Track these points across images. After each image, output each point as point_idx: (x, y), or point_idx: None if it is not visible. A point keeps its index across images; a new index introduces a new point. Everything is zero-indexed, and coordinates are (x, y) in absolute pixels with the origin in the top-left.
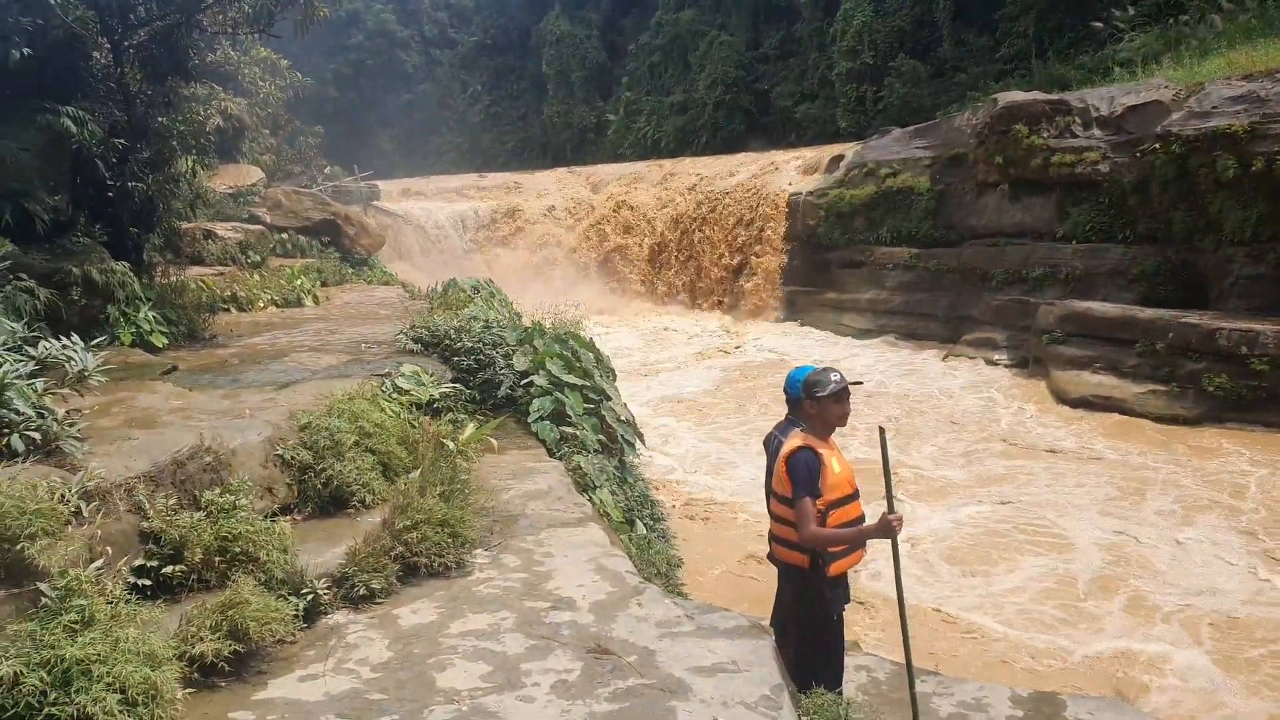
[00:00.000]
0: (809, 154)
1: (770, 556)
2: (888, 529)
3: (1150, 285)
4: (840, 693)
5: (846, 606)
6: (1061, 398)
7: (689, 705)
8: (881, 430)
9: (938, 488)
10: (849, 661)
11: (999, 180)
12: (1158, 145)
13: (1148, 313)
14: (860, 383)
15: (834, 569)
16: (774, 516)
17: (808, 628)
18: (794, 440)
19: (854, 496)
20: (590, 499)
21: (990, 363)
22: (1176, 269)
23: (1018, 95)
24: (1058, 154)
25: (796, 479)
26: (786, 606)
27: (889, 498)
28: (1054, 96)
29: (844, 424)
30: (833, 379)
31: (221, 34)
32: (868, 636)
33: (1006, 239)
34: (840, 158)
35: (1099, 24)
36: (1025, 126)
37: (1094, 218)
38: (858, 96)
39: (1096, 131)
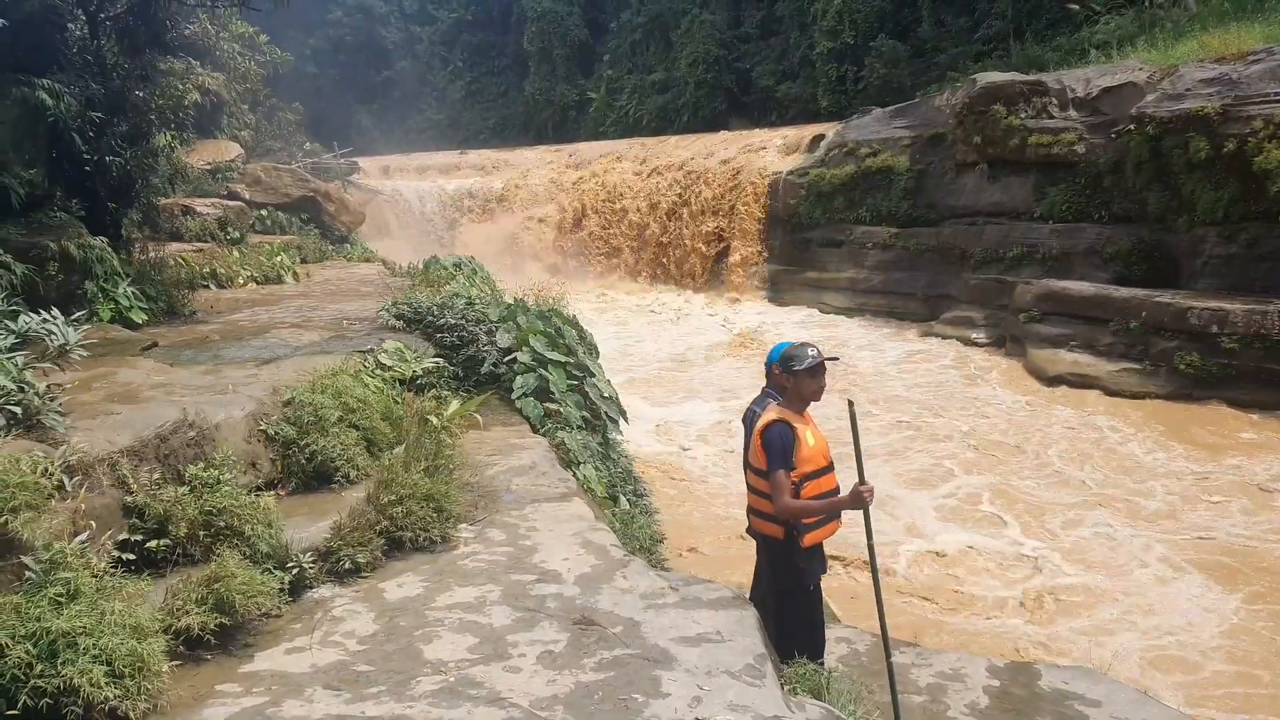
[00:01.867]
0: (790, 133)
1: (749, 529)
2: (859, 499)
3: (1125, 264)
4: (822, 663)
5: (823, 576)
6: (1038, 376)
7: (674, 674)
8: (850, 403)
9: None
10: (829, 634)
11: (977, 160)
12: (1132, 127)
13: (1122, 292)
14: (836, 358)
15: (808, 540)
16: (750, 489)
17: (785, 598)
18: (769, 414)
19: (828, 469)
20: (574, 474)
21: (968, 342)
22: (1150, 249)
23: (996, 76)
24: (1035, 134)
25: (771, 452)
26: (764, 578)
27: (859, 469)
28: (1031, 77)
29: (818, 399)
30: (809, 353)
31: (200, 7)
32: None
33: (985, 218)
34: (821, 137)
35: (1075, 6)
36: (1003, 107)
37: (1070, 198)
38: (838, 76)
39: (1073, 112)
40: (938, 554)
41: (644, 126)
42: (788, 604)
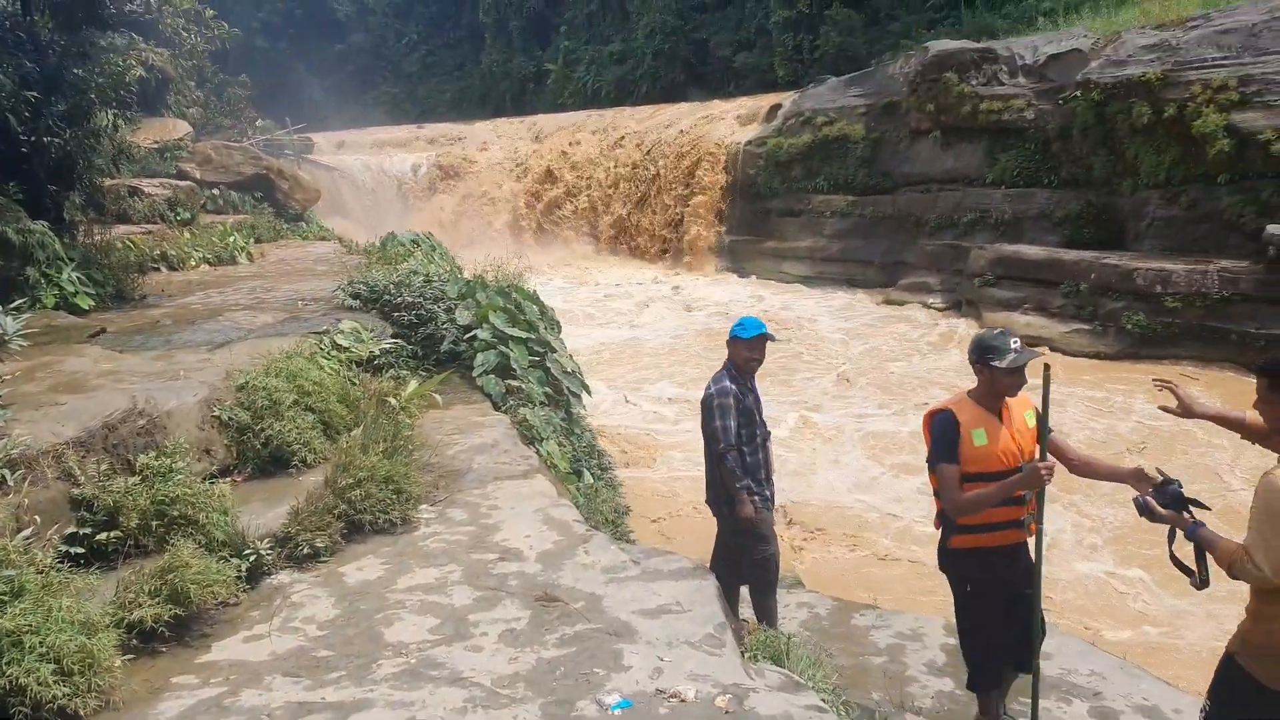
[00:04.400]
0: (747, 103)
1: (708, 501)
2: (1034, 479)
3: (1074, 227)
4: (986, 678)
5: (979, 581)
6: None
7: (635, 647)
8: (1046, 368)
9: None
10: (791, 599)
11: (931, 128)
12: (1078, 93)
13: (1071, 254)
14: (1038, 353)
15: (955, 542)
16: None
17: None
18: (942, 402)
19: (1011, 473)
20: (537, 451)
21: (925, 306)
22: (1098, 212)
23: (948, 44)
24: (986, 102)
25: (932, 443)
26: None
27: (1042, 444)
28: (982, 45)
29: (1014, 395)
30: (1013, 346)
31: None
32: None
33: (939, 185)
34: (778, 107)
35: None
36: (955, 75)
37: (1021, 163)
38: (794, 45)
39: (1022, 79)
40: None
41: (603, 98)
42: (955, 599)
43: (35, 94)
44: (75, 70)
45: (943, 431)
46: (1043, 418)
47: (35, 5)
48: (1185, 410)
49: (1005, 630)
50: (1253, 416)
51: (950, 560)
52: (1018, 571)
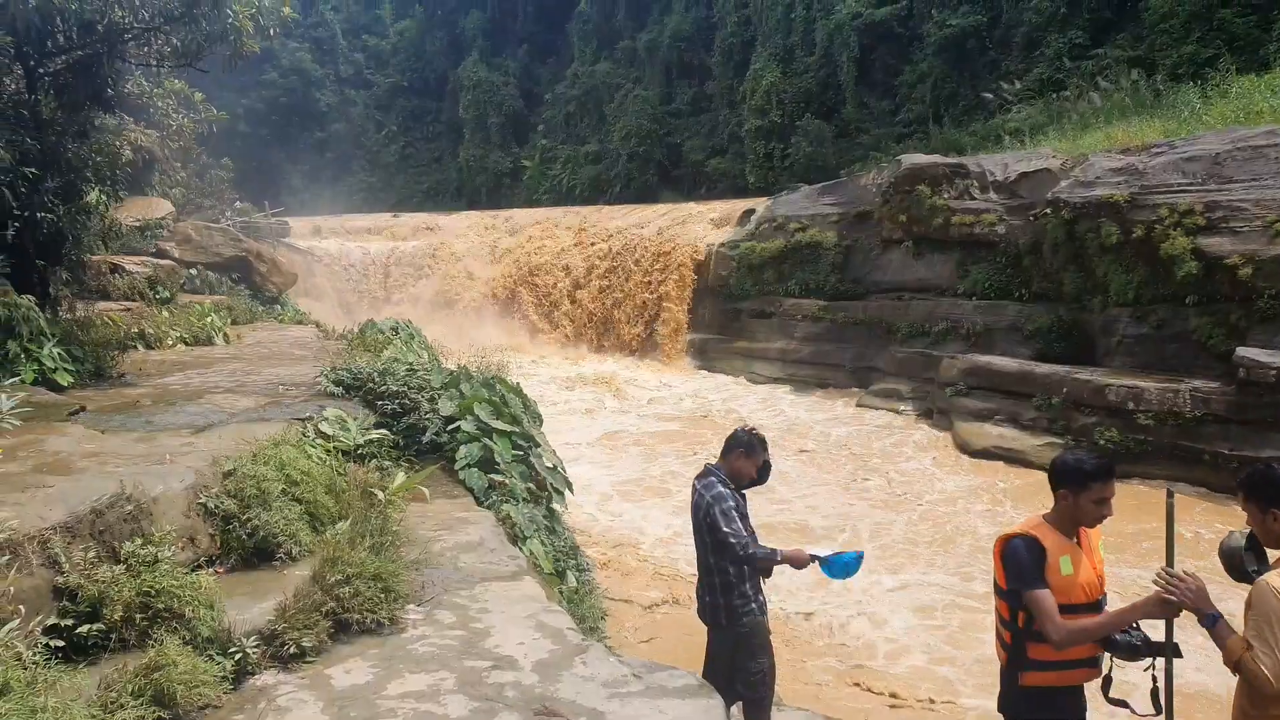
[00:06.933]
0: (721, 206)
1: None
2: (1165, 606)
3: (1045, 341)
4: None
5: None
6: (965, 449)
7: None
8: (1169, 494)
9: None
10: (780, 717)
11: (903, 237)
12: (1048, 210)
13: (1044, 368)
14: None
15: (1027, 680)
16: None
17: None
18: (1018, 526)
19: (1089, 609)
20: (522, 550)
21: (896, 413)
22: (1068, 327)
23: (920, 158)
24: (958, 215)
25: (1009, 570)
26: (721, 660)
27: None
28: (953, 160)
29: (1093, 525)
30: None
31: (143, 66)
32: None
33: (910, 294)
34: (751, 211)
35: (989, 95)
36: (927, 187)
37: (992, 276)
38: (766, 153)
39: (993, 195)
40: None
41: (577, 196)
42: None
43: (33, 170)
44: (71, 148)
45: (1027, 555)
46: (1169, 540)
47: (40, 84)
48: None
49: None
50: None
51: (1015, 702)
52: (1079, 715)
